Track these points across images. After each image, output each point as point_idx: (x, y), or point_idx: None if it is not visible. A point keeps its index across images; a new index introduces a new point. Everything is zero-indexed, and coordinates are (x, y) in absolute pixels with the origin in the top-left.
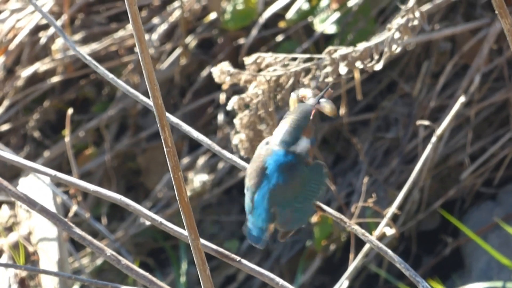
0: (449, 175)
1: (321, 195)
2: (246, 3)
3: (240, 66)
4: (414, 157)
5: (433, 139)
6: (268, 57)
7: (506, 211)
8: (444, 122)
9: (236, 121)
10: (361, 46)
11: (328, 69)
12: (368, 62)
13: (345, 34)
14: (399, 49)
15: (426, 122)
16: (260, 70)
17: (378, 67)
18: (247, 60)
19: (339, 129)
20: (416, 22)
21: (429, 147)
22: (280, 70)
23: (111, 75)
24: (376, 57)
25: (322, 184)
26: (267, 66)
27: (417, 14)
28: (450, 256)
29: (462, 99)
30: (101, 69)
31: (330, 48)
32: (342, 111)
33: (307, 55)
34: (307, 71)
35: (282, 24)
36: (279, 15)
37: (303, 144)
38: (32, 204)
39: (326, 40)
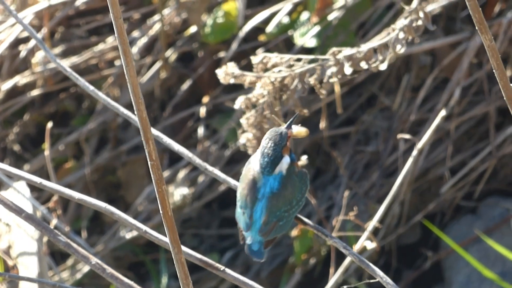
0: (429, 189)
1: (302, 203)
2: (226, 17)
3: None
4: (394, 170)
5: (414, 152)
6: (274, 57)
7: (486, 224)
8: (424, 136)
9: (243, 120)
10: (365, 46)
11: (333, 69)
12: (373, 63)
13: (325, 47)
14: (403, 50)
15: (407, 136)
16: (266, 69)
17: (383, 67)
18: (254, 59)
19: (319, 143)
20: (420, 22)
21: (409, 160)
22: (285, 71)
23: (91, 87)
24: (380, 57)
25: (305, 193)
26: (273, 66)
27: (421, 14)
28: (430, 269)
29: (442, 112)
30: (82, 81)
31: (334, 49)
32: (322, 124)
33: (312, 56)
34: (311, 71)
35: (262, 38)
36: (259, 28)
37: (285, 162)
38: (18, 211)
39: (306, 53)
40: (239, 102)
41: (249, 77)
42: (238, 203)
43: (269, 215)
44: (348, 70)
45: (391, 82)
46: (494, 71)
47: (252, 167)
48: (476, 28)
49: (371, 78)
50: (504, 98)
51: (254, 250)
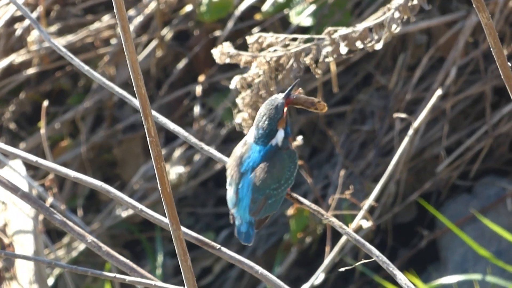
0: (425, 168)
1: (292, 182)
2: None
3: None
4: (390, 149)
5: (410, 131)
6: (269, 36)
7: (482, 203)
8: (420, 115)
9: (239, 100)
10: (361, 26)
11: (328, 49)
12: (368, 42)
13: (321, 26)
14: (398, 29)
15: (403, 115)
16: (262, 49)
17: (378, 46)
18: (249, 39)
19: (315, 122)
20: (415, 2)
21: (405, 139)
22: (280, 50)
23: (86, 67)
24: (375, 37)
25: (293, 171)
26: (269, 45)
27: None
28: (426, 248)
29: (438, 92)
30: (77, 61)
31: (329, 28)
32: None
33: (308, 36)
34: (307, 51)
35: (258, 17)
36: (255, 7)
37: (280, 136)
38: (14, 189)
39: (302, 32)
40: (235, 81)
41: (244, 56)
42: (227, 181)
43: (256, 192)
44: (343, 49)
45: (387, 61)
46: (491, 49)
47: (246, 139)
48: (474, 6)
49: (367, 57)
50: (502, 77)
51: (242, 231)
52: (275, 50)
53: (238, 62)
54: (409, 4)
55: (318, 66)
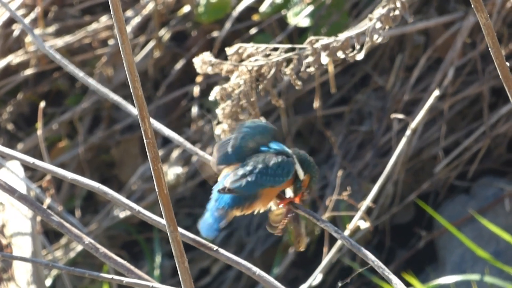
0: (423, 169)
1: (283, 180)
2: None
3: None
4: (388, 150)
5: (407, 132)
6: (249, 47)
7: (480, 204)
8: (418, 116)
9: (219, 111)
10: (343, 36)
11: (310, 59)
12: (350, 52)
13: (319, 27)
14: (380, 39)
15: (400, 116)
16: (242, 60)
17: (360, 57)
18: (229, 50)
19: (313, 122)
20: (397, 12)
21: (403, 140)
22: (261, 60)
23: (81, 73)
24: (357, 47)
25: (284, 170)
26: (249, 56)
27: (398, 4)
28: (424, 249)
29: (436, 92)
30: (71, 68)
31: (311, 38)
32: (316, 104)
33: (289, 45)
34: (288, 61)
35: (255, 17)
36: (253, 8)
37: None
38: (11, 191)
39: (300, 33)
40: (214, 92)
41: (226, 65)
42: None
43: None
44: (324, 59)
45: (384, 62)
46: (489, 49)
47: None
48: (472, 6)
49: (365, 57)
50: (500, 77)
51: (207, 222)
52: (256, 60)
53: (220, 72)
54: (391, 14)
55: (300, 76)
